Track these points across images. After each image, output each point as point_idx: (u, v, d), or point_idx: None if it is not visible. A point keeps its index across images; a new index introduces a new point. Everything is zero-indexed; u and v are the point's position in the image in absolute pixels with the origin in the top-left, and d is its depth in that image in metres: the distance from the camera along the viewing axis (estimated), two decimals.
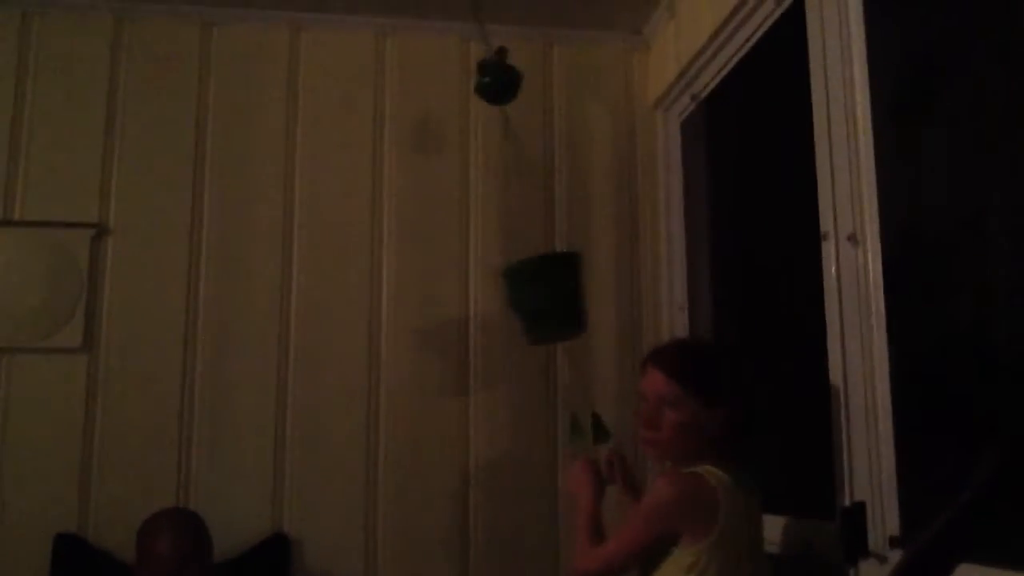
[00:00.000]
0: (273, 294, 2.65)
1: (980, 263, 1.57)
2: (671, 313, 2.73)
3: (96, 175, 2.63)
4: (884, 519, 1.64)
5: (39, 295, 2.56)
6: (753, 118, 2.47)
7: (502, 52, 2.31)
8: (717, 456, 1.66)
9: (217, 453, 2.55)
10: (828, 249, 1.86)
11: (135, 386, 2.55)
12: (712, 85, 2.57)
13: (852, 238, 1.77)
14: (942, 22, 1.68)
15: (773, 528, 1.95)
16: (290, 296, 2.66)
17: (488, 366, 2.69)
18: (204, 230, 2.65)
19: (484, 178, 2.76)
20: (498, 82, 2.32)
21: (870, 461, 1.69)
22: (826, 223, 1.87)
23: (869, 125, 1.77)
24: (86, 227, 2.60)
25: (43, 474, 2.47)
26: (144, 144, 2.67)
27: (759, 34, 2.30)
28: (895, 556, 1.59)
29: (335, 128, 2.76)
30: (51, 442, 2.49)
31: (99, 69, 2.68)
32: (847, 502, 1.73)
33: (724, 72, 2.50)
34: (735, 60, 2.43)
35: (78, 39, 2.69)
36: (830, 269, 1.85)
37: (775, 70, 2.29)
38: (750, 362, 1.83)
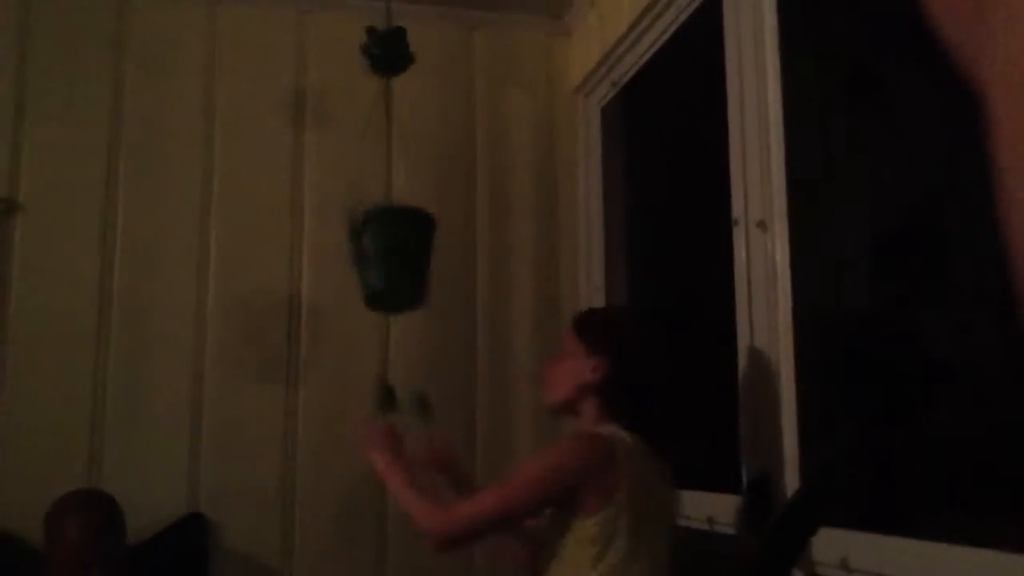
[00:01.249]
0: (188, 272, 2.61)
1: (878, 246, 1.66)
2: (588, 294, 2.79)
3: (6, 149, 2.55)
4: (787, 491, 1.72)
5: None
6: (671, 105, 2.53)
7: (400, 31, 2.25)
8: (609, 416, 1.64)
9: (130, 433, 2.51)
10: (739, 234, 1.93)
11: (45, 365, 2.48)
12: (632, 72, 2.62)
13: (761, 224, 1.84)
14: (854, 14, 1.75)
15: (677, 501, 2.02)
16: (207, 273, 2.62)
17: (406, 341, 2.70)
18: (119, 204, 2.60)
19: (404, 161, 2.76)
20: (386, 56, 2.25)
21: (773, 436, 1.76)
22: (737, 209, 1.94)
23: (780, 115, 1.84)
24: None
25: None
26: (57, 117, 2.59)
27: (679, 23, 2.35)
28: None
29: (253, 104, 2.72)
30: None
31: (9, 41, 2.59)
32: (751, 475, 1.80)
33: (644, 59, 2.55)
34: (655, 48, 2.48)
35: None
36: (740, 253, 1.92)
37: (693, 58, 2.35)
38: (643, 325, 1.83)
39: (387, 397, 2.15)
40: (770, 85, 1.88)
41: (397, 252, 2.05)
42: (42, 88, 2.60)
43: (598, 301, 2.71)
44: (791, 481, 1.70)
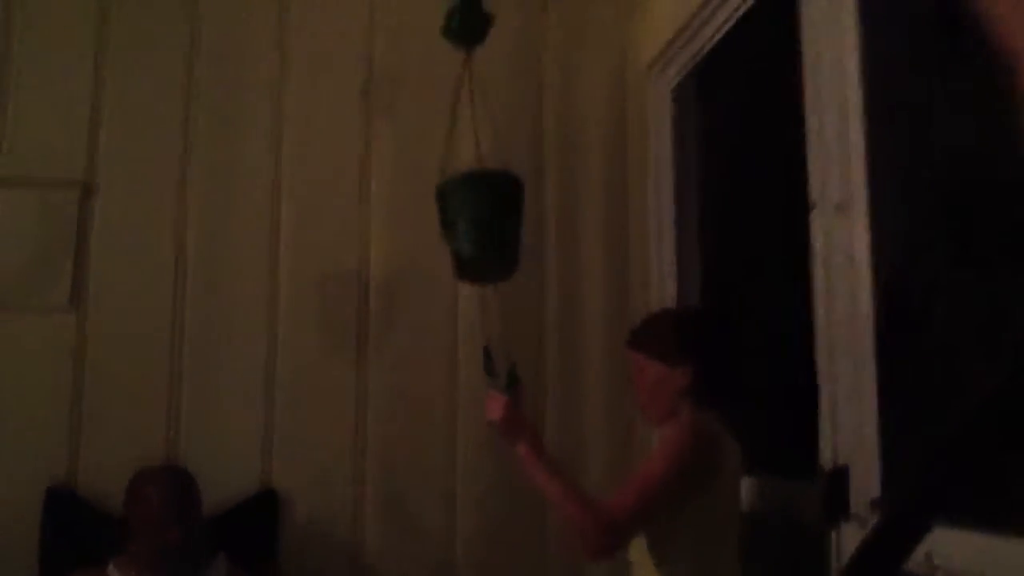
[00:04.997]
0: (261, 251, 2.65)
1: (967, 234, 1.59)
2: (660, 278, 2.75)
3: (83, 133, 2.62)
4: (866, 482, 1.68)
5: (26, 253, 2.56)
6: (746, 85, 2.47)
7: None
8: (702, 410, 1.78)
9: (206, 409, 2.57)
10: (816, 218, 1.88)
11: (123, 344, 2.56)
12: (706, 49, 2.56)
13: (840, 207, 1.79)
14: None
15: (752, 489, 2.00)
16: (278, 252, 2.66)
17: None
18: (191, 187, 2.65)
19: (471, 135, 2.74)
20: (465, 25, 2.24)
21: (853, 425, 1.72)
22: (815, 193, 1.88)
23: (860, 95, 1.78)
24: (74, 185, 2.59)
25: (33, 430, 2.49)
26: (132, 101, 2.66)
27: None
28: (876, 519, 1.63)
29: (324, 82, 2.75)
30: (41, 399, 2.51)
31: (87, 25, 2.66)
32: (830, 465, 1.76)
33: (718, 37, 2.49)
34: (729, 24, 2.42)
35: None
36: (818, 237, 1.87)
37: (769, 36, 2.28)
38: (712, 320, 1.92)
39: (489, 361, 2.06)
40: (848, 63, 1.82)
41: (485, 218, 2.00)
42: (118, 73, 2.67)
43: (669, 286, 2.67)
44: (871, 472, 1.66)
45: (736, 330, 1.86)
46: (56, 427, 2.49)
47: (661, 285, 2.73)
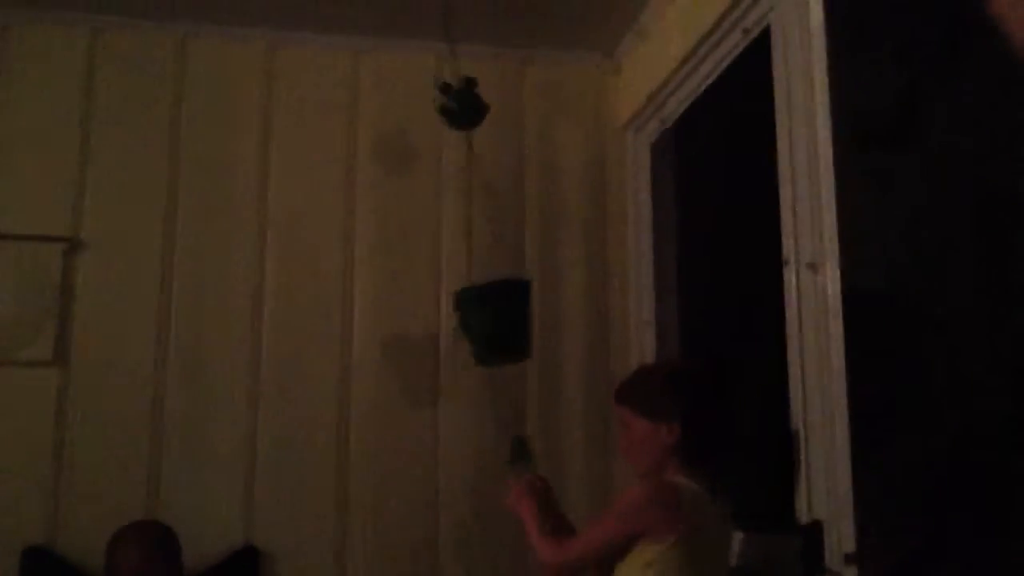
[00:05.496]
0: (245, 309, 2.67)
1: (937, 293, 1.64)
2: (639, 330, 2.79)
3: (70, 189, 2.65)
4: (840, 537, 1.70)
5: (10, 308, 2.57)
6: (721, 143, 2.54)
7: (472, 82, 2.35)
8: (688, 469, 1.80)
9: (188, 466, 2.57)
10: (789, 275, 1.92)
11: (106, 400, 2.56)
12: (681, 109, 2.64)
13: (811, 266, 1.84)
14: (904, 57, 1.75)
15: (733, 542, 2.02)
16: (262, 311, 2.68)
17: (457, 381, 2.72)
18: (177, 245, 2.67)
19: (455, 196, 2.79)
20: (464, 111, 2.36)
21: (827, 481, 1.75)
22: (787, 250, 1.93)
23: (830, 157, 1.83)
24: (59, 240, 2.61)
25: (12, 486, 2.47)
26: (118, 158, 2.69)
27: (727, 62, 2.36)
28: (850, 572, 1.65)
29: (308, 146, 2.79)
30: (21, 455, 2.50)
31: (75, 82, 2.70)
32: (805, 520, 1.79)
33: (693, 97, 2.56)
34: (704, 86, 2.50)
35: (55, 52, 2.70)
36: (791, 294, 1.91)
37: (742, 97, 2.35)
38: (703, 378, 1.94)
39: (520, 449, 2.28)
40: (820, 126, 1.87)
41: (500, 327, 2.28)
42: (105, 129, 2.70)
43: (648, 338, 2.71)
44: (846, 526, 1.69)
45: (726, 387, 1.89)
46: (36, 483, 2.48)
47: (640, 339, 2.77)
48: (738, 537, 2.03)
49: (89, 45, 2.72)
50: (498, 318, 2.28)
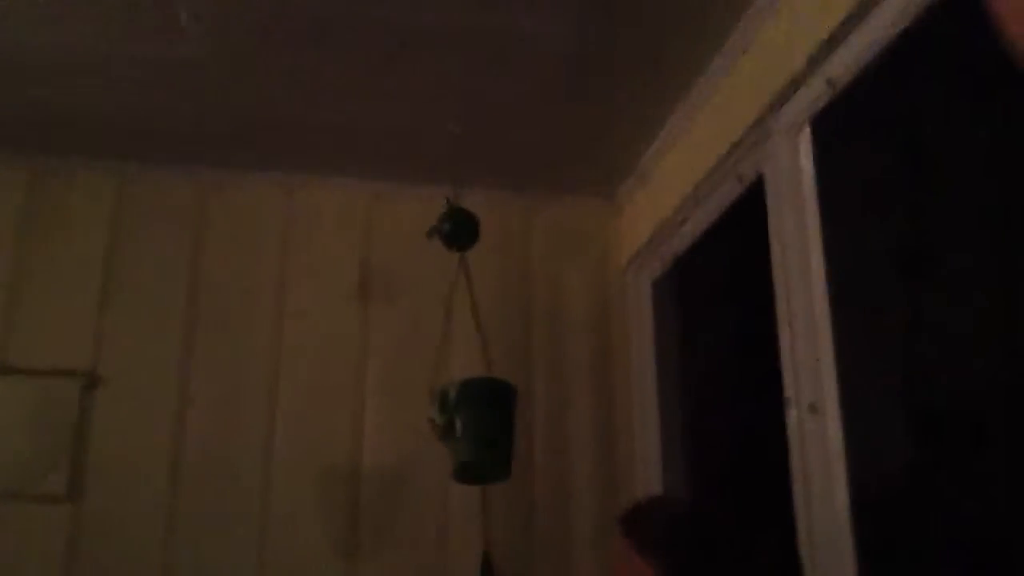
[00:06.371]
0: (258, 451, 2.71)
1: (933, 440, 1.69)
2: (645, 469, 2.81)
3: (90, 325, 2.73)
4: None
5: (26, 441, 2.60)
6: (721, 283, 2.62)
7: (449, 201, 2.45)
8: None
9: None
10: (791, 415, 1.97)
11: (119, 537, 2.56)
12: (681, 250, 2.73)
13: (813, 407, 1.89)
14: (898, 193, 1.84)
15: None
16: (273, 452, 2.71)
17: (464, 515, 2.73)
18: (193, 384, 2.73)
19: (465, 336, 2.87)
20: (458, 227, 2.44)
21: None
22: (789, 391, 1.99)
23: (826, 302, 1.91)
24: (77, 375, 2.67)
25: None
26: (138, 297, 2.78)
27: (724, 206, 2.47)
28: None
29: (324, 285, 2.88)
30: None
31: (99, 224, 2.82)
32: None
33: (692, 239, 2.66)
34: (703, 226, 2.59)
35: (80, 195, 2.83)
36: (794, 436, 1.96)
37: (740, 239, 2.44)
38: (696, 518, 1.89)
39: (487, 568, 2.24)
40: (814, 273, 1.95)
41: (484, 427, 2.14)
42: (126, 268, 2.80)
43: (655, 477, 2.74)
44: None
45: (720, 528, 1.85)
46: None
47: (647, 476, 2.79)
48: None
49: (115, 189, 2.85)
50: (491, 418, 2.16)
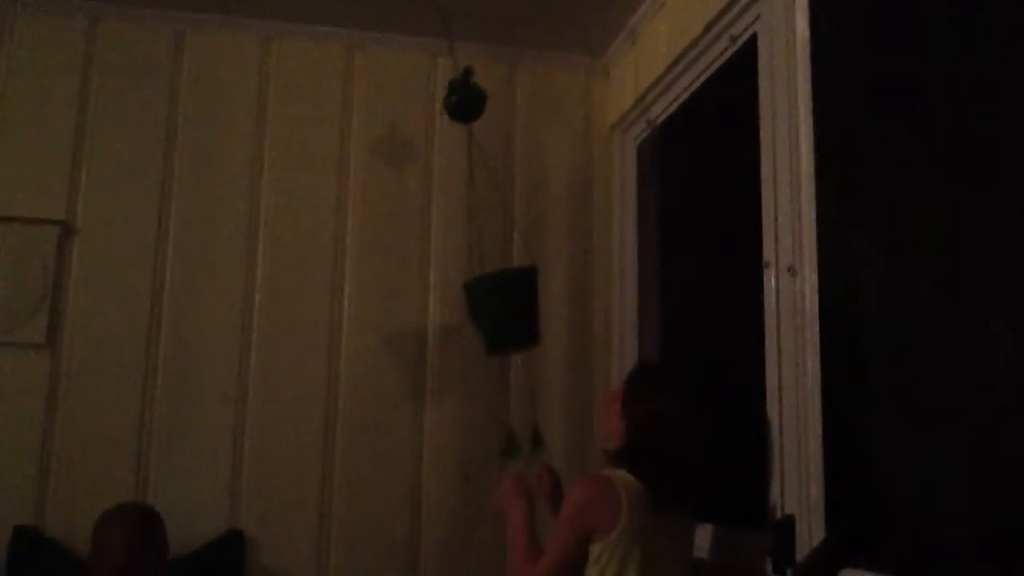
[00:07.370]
0: (236, 298, 2.71)
1: (909, 299, 1.70)
2: (621, 328, 2.85)
3: (65, 174, 2.68)
4: (811, 533, 1.77)
5: (3, 290, 2.59)
6: (705, 146, 2.59)
7: (468, 72, 2.40)
8: (632, 464, 1.82)
9: (176, 450, 2.61)
10: (769, 277, 1.98)
11: (97, 383, 2.59)
12: (667, 112, 2.69)
13: (791, 269, 1.90)
14: (886, 68, 1.80)
15: (704, 536, 2.08)
16: (252, 300, 2.72)
17: (444, 377, 2.78)
18: (170, 232, 2.71)
19: (446, 192, 2.85)
20: (464, 102, 2.41)
21: (800, 478, 1.81)
22: (768, 253, 1.99)
23: (812, 164, 1.89)
24: (53, 224, 2.64)
25: (2, 466, 2.51)
26: (113, 145, 2.72)
27: (715, 65, 2.41)
28: None
29: (302, 137, 2.83)
30: (11, 436, 2.53)
31: (72, 70, 2.73)
32: (778, 515, 1.85)
33: (679, 101, 2.61)
34: (691, 89, 2.55)
35: (52, 40, 2.73)
36: (770, 296, 1.97)
37: (728, 102, 2.40)
38: (664, 380, 1.96)
39: (511, 442, 2.39)
40: (802, 135, 1.93)
41: (510, 315, 2.31)
42: (101, 117, 2.73)
43: (630, 336, 2.77)
44: (816, 523, 1.75)
45: (691, 390, 1.91)
46: (25, 465, 2.52)
47: (622, 335, 2.82)
48: (708, 530, 2.09)
49: (87, 33, 2.75)
50: (509, 307, 2.31)
